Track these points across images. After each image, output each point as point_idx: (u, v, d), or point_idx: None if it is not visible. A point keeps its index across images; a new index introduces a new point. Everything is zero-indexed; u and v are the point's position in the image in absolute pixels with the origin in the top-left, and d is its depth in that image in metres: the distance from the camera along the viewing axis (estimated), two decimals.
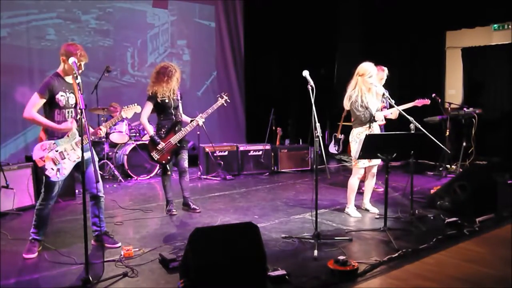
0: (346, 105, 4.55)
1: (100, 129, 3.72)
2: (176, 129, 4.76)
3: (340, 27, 9.96)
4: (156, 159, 4.74)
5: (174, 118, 4.77)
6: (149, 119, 4.75)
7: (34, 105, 3.42)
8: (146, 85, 8.17)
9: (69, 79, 3.55)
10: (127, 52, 8.18)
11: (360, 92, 4.49)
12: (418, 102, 5.64)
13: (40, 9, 7.16)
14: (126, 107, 3.92)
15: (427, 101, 5.74)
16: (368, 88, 4.51)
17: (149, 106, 4.72)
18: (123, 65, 8.13)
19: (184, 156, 4.87)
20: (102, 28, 7.83)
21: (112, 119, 3.90)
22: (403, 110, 4.93)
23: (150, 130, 4.75)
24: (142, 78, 8.33)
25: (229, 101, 5.09)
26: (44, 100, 3.43)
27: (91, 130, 3.74)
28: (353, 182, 4.69)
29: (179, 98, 4.84)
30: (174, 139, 4.73)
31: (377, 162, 4.66)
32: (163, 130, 4.75)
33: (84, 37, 7.58)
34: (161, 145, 4.68)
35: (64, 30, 7.38)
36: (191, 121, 4.81)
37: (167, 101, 4.70)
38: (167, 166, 4.84)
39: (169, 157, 4.76)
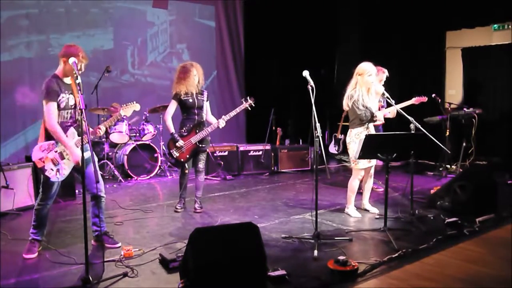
0: (347, 104, 4.53)
1: (99, 128, 3.72)
2: (198, 129, 4.78)
3: (340, 27, 9.96)
4: (175, 156, 4.77)
5: (196, 118, 4.80)
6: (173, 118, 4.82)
7: (52, 113, 3.41)
8: (146, 84, 8.31)
9: (67, 80, 3.55)
10: (127, 50, 8.17)
11: (361, 92, 4.49)
12: (416, 100, 5.65)
13: (41, 9, 7.16)
14: (124, 105, 3.93)
15: (424, 99, 5.75)
16: (368, 87, 4.51)
17: (173, 105, 4.80)
18: (123, 64, 8.13)
19: (202, 157, 4.89)
20: (103, 27, 7.82)
21: (111, 117, 3.90)
22: (402, 108, 4.95)
23: (172, 127, 4.80)
24: (142, 77, 8.34)
25: (253, 105, 5.00)
26: (56, 103, 3.43)
27: (90, 129, 3.74)
28: (354, 184, 4.69)
29: (205, 98, 4.87)
30: (195, 138, 4.75)
31: (375, 162, 4.67)
32: (184, 128, 4.79)
33: (84, 37, 7.57)
34: (180, 143, 4.70)
35: (64, 30, 7.37)
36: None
37: (190, 100, 4.75)
38: (186, 164, 4.85)
39: (188, 156, 4.78)
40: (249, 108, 5.01)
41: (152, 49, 8.47)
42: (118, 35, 8.00)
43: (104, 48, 7.85)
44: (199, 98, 4.81)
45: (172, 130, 4.78)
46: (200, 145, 4.80)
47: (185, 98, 4.74)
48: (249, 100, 4.97)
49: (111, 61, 7.62)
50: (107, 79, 7.49)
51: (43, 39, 7.20)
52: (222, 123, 4.79)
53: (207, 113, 4.94)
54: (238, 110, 4.90)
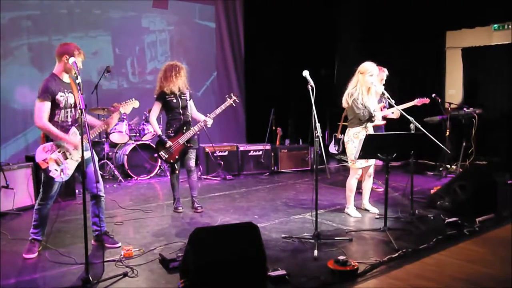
0: (347, 101, 4.53)
1: (112, 119, 3.77)
2: (185, 129, 4.79)
3: (340, 27, 9.96)
4: (164, 158, 4.79)
5: (182, 118, 4.82)
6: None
7: (44, 111, 3.41)
8: (146, 85, 8.28)
9: (66, 78, 3.55)
10: (127, 56, 8.13)
11: (361, 90, 4.49)
12: (418, 102, 5.65)
13: (43, 10, 7.13)
14: (124, 102, 3.93)
15: (427, 100, 5.75)
16: (368, 87, 4.51)
17: (158, 106, 4.80)
18: (124, 64, 8.10)
19: (191, 156, 4.90)
20: (105, 28, 7.80)
21: (113, 114, 3.88)
22: (403, 109, 4.95)
23: (158, 129, 4.84)
24: (144, 83, 8.30)
25: (238, 101, 5.08)
26: (49, 103, 3.43)
27: (99, 122, 3.77)
28: (352, 183, 4.70)
29: (188, 98, 4.88)
30: (182, 139, 4.76)
31: (373, 161, 4.67)
32: (171, 129, 4.81)
33: (86, 39, 7.55)
34: (169, 144, 4.72)
35: (66, 31, 7.32)
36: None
37: (174, 101, 4.76)
38: (175, 165, 4.87)
39: (177, 157, 4.80)
40: (234, 105, 5.04)
41: (151, 54, 8.39)
42: (120, 36, 7.97)
43: (106, 49, 7.82)
44: (182, 98, 4.82)
45: (159, 132, 4.82)
46: (188, 145, 4.81)
47: (169, 99, 4.75)
48: (233, 97, 5.01)
49: (113, 62, 7.61)
50: (109, 79, 7.48)
51: (45, 40, 7.17)
52: (209, 121, 4.81)
53: (192, 111, 4.96)
54: (223, 107, 4.93)
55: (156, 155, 6.97)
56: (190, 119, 4.89)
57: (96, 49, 7.61)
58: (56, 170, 3.47)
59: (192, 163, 4.90)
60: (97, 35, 7.72)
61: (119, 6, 7.94)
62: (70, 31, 7.38)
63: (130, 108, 3.94)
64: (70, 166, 3.54)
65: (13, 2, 6.79)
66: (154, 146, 4.92)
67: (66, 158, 3.51)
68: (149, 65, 8.40)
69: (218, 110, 4.88)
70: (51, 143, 3.50)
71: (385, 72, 5.47)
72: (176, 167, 4.90)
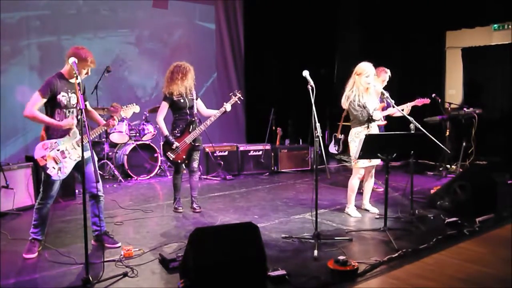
0: (344, 104, 4.55)
1: (114, 119, 3.75)
2: (191, 128, 4.80)
3: (340, 27, 9.96)
4: (171, 159, 4.78)
5: (189, 118, 4.82)
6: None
7: (35, 103, 3.42)
8: (147, 85, 8.28)
9: (72, 80, 3.56)
10: (132, 53, 8.15)
11: (358, 92, 4.49)
12: (418, 102, 5.64)
13: (52, 10, 7.11)
14: (125, 106, 3.94)
15: (427, 100, 5.74)
16: (366, 87, 4.51)
17: (165, 106, 4.79)
18: (127, 66, 8.12)
19: (196, 157, 4.91)
20: (113, 29, 7.79)
21: (114, 116, 3.89)
22: (403, 109, 4.94)
23: (165, 130, 4.78)
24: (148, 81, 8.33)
25: (242, 98, 5.09)
26: (45, 100, 3.44)
27: (102, 121, 3.77)
28: (354, 183, 4.69)
29: (194, 97, 4.88)
30: (189, 138, 4.76)
31: (377, 162, 4.66)
32: (177, 129, 4.80)
33: (95, 39, 7.53)
34: (176, 144, 4.72)
35: (75, 31, 7.32)
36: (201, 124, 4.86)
37: (182, 100, 4.76)
38: (182, 165, 4.87)
39: (184, 157, 4.79)
40: (239, 102, 5.06)
41: (151, 55, 8.42)
42: (124, 38, 7.98)
43: (111, 50, 7.81)
44: (189, 98, 4.82)
45: (166, 132, 4.77)
46: (195, 144, 4.82)
47: (177, 99, 4.75)
48: (237, 94, 5.02)
49: (117, 63, 7.62)
50: (110, 80, 7.48)
51: (54, 40, 7.15)
52: (228, 106, 4.82)
53: (201, 109, 4.96)
54: (229, 104, 4.93)
55: (155, 155, 7.06)
56: (195, 118, 4.88)
57: (104, 49, 7.60)
58: (54, 168, 3.47)
59: (196, 164, 4.91)
60: (106, 36, 7.71)
61: (127, 5, 7.94)
62: (79, 31, 7.38)
63: (131, 112, 3.95)
64: (68, 165, 3.55)
65: (22, 2, 6.77)
66: (161, 147, 4.88)
67: (64, 157, 3.52)
68: (150, 66, 8.38)
69: (228, 106, 4.87)
70: (51, 140, 3.51)
71: (387, 73, 5.46)
72: (183, 167, 4.90)
